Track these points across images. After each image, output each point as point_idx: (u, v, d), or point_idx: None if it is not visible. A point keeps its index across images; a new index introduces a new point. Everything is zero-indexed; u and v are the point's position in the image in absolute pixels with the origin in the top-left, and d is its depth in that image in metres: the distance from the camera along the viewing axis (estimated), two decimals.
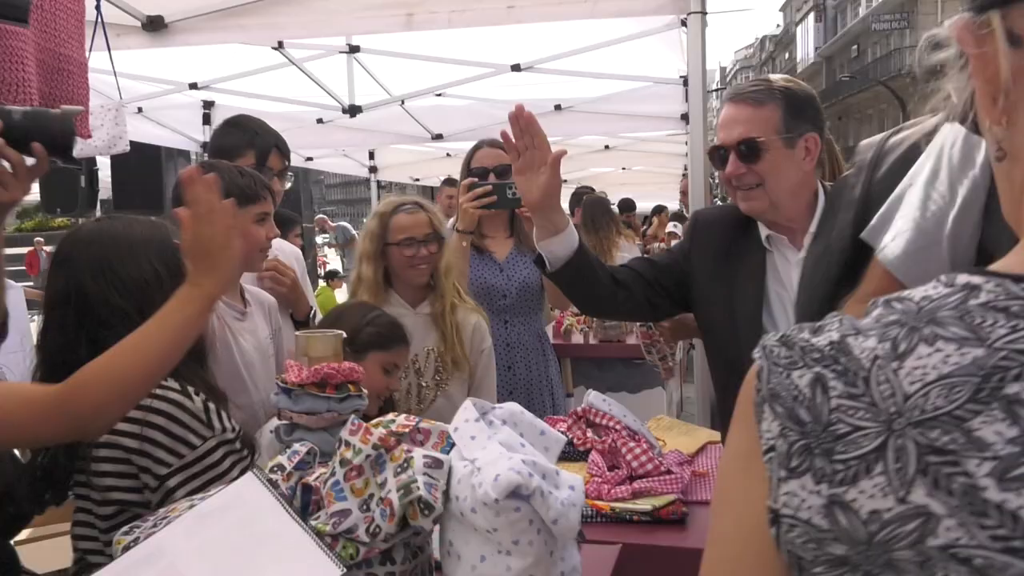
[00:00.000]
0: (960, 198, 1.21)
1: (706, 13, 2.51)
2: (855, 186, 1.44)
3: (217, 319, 2.05)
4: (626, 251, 5.91)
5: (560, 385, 3.26)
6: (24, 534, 2.08)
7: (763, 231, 2.10)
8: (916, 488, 0.54)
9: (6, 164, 1.54)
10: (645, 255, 6.37)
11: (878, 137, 1.49)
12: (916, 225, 1.27)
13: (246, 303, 2.33)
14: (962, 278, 0.58)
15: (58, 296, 1.62)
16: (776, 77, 2.07)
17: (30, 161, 1.56)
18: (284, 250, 2.79)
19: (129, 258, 1.62)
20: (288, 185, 2.72)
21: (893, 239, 1.29)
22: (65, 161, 1.58)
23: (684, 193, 7.68)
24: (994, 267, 0.59)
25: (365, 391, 1.70)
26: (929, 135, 1.34)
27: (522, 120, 1.93)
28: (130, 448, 1.55)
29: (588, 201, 6.20)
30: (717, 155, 2.09)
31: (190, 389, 1.59)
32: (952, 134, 1.29)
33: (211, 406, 1.61)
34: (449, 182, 7.74)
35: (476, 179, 2.89)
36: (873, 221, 1.33)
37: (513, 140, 1.95)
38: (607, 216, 6.10)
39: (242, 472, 1.57)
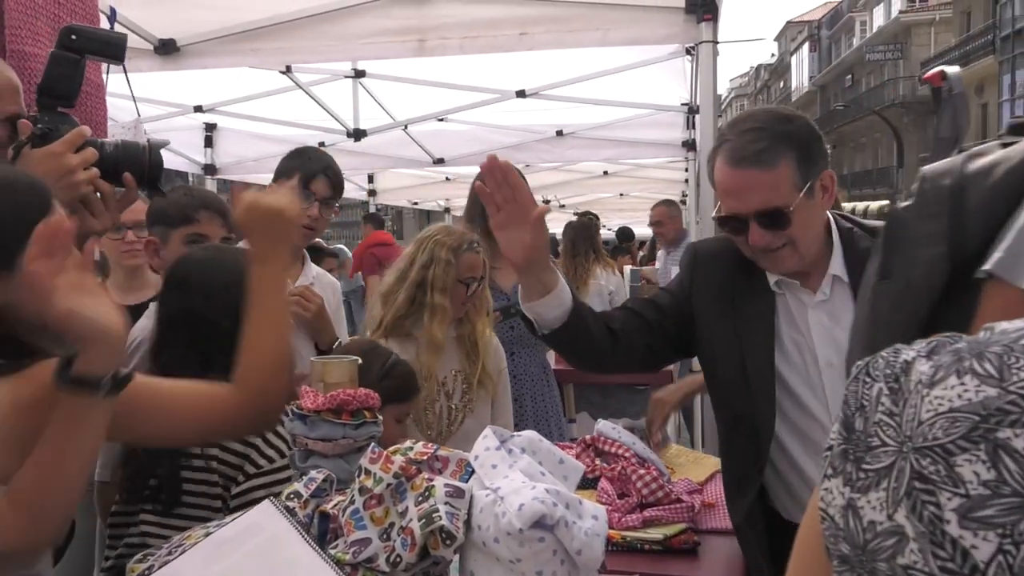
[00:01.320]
0: None
1: (717, 43, 2.53)
2: (933, 217, 1.28)
3: None
4: (602, 279, 5.85)
5: (560, 414, 3.27)
6: None
7: (771, 276, 1.86)
8: (900, 509, 0.57)
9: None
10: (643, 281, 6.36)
11: (947, 164, 1.33)
12: None
13: None
14: None
15: (171, 316, 1.77)
16: (766, 117, 1.82)
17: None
18: (323, 280, 2.81)
19: (238, 285, 1.64)
20: (334, 217, 2.72)
21: None
22: (152, 192, 1.66)
23: (658, 223, 6.68)
24: None
25: (381, 417, 1.69)
26: None
27: (497, 172, 1.71)
28: (236, 451, 1.70)
29: (571, 225, 6.17)
30: (732, 223, 1.81)
31: None
32: None
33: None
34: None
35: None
36: (999, 254, 1.16)
37: (489, 192, 1.72)
38: (587, 243, 6.02)
39: None
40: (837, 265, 1.82)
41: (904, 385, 0.60)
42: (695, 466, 2.55)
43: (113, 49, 1.71)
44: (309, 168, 2.60)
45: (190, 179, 5.75)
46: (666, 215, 6.53)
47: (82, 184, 1.52)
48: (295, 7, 2.92)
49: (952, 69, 1.52)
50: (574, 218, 6.52)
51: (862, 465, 0.60)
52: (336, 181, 2.67)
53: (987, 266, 1.16)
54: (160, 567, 1.34)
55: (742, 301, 1.87)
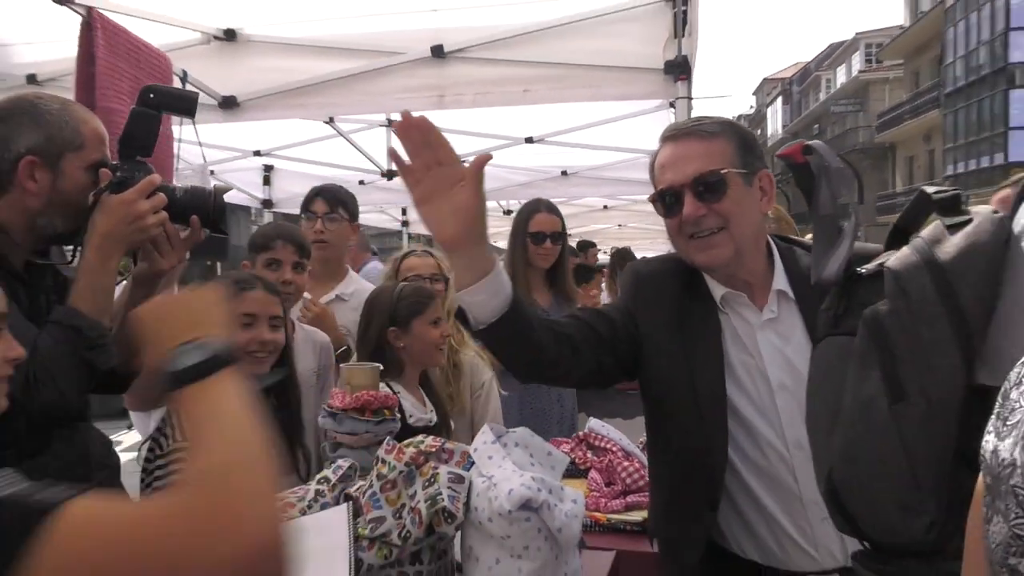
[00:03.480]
0: None
1: (691, 98, 2.56)
2: (929, 322, 0.97)
3: None
4: None
5: (554, 407, 2.97)
6: None
7: (717, 289, 1.56)
8: (1017, 448, 0.73)
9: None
10: None
11: (912, 257, 1.02)
12: None
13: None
14: None
15: None
16: (712, 116, 1.59)
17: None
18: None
19: None
20: (332, 226, 2.77)
21: None
22: (215, 231, 1.59)
23: None
24: None
25: (398, 415, 1.71)
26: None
27: (414, 131, 1.22)
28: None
29: (616, 252, 6.41)
30: (666, 200, 1.53)
31: None
32: None
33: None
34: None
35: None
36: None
37: (407, 162, 1.25)
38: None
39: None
40: (781, 280, 1.55)
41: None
42: None
43: (186, 104, 1.68)
44: (309, 195, 2.84)
45: (251, 212, 5.81)
46: None
47: (151, 227, 1.48)
48: (335, 68, 2.98)
49: (816, 143, 1.24)
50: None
51: (1006, 422, 0.75)
52: (332, 198, 2.78)
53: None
54: None
55: (688, 321, 1.55)
